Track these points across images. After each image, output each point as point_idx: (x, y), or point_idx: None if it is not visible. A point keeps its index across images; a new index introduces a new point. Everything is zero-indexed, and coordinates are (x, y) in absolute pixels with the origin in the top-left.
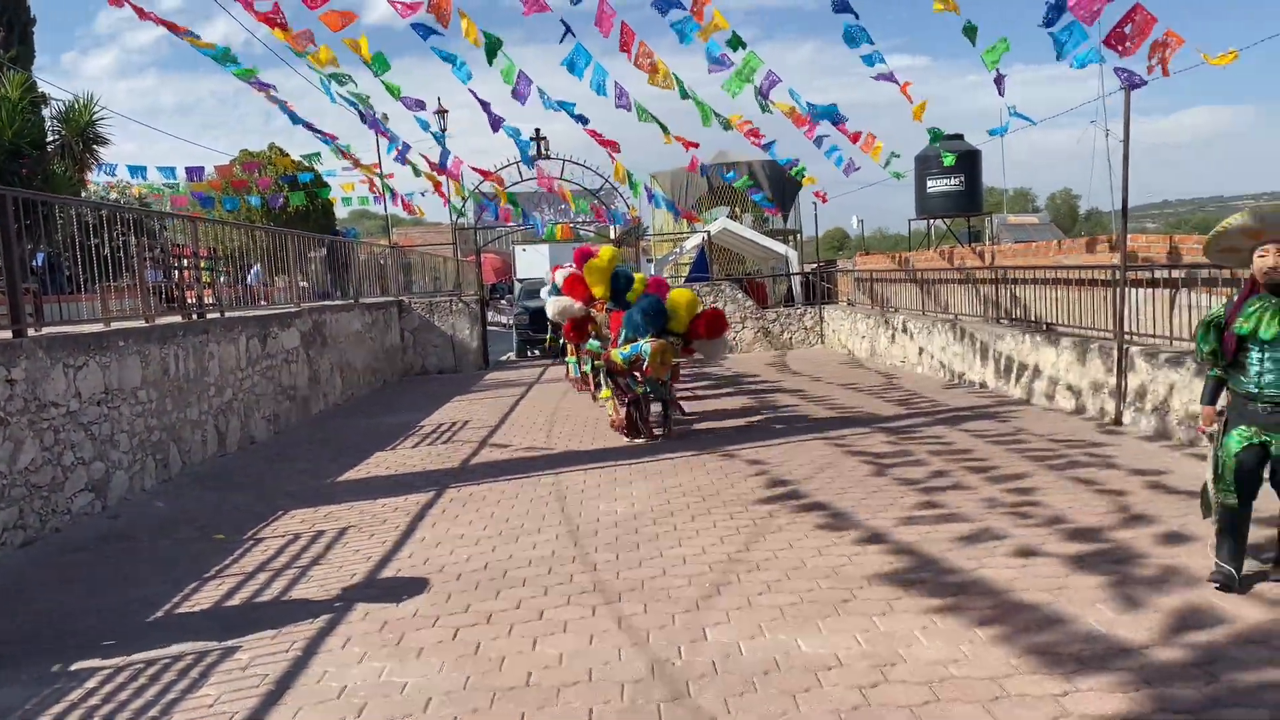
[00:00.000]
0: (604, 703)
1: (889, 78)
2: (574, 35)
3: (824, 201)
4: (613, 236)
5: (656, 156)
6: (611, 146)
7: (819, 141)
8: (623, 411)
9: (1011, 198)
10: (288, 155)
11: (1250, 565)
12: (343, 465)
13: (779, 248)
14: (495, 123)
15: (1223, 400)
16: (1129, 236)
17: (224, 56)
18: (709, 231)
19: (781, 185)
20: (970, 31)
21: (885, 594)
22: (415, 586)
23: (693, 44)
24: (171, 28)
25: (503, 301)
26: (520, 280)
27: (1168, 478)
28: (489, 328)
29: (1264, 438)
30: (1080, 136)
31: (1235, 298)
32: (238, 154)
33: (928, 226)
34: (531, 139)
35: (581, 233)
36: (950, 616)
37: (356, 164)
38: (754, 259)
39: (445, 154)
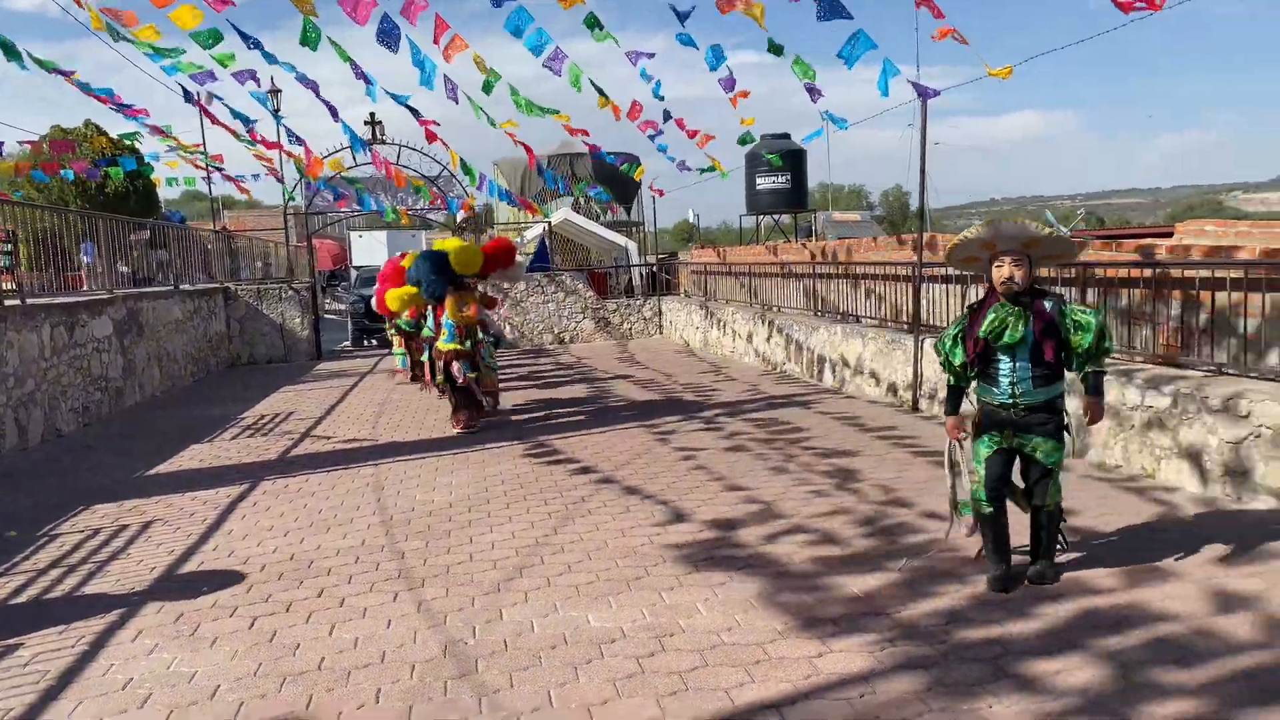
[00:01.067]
0: (393, 682)
1: (728, 85)
2: (394, 49)
3: (660, 195)
4: (458, 222)
5: (501, 143)
6: (433, 138)
7: (653, 137)
8: (456, 400)
9: (847, 195)
10: (105, 134)
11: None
12: (154, 458)
13: (619, 239)
14: (333, 111)
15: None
16: (935, 235)
17: (10, 50)
18: (549, 221)
19: (625, 177)
20: (776, 49)
21: (677, 570)
22: (217, 579)
23: (524, 36)
24: None
25: (339, 289)
26: (356, 267)
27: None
28: (325, 316)
29: (1015, 441)
30: (900, 137)
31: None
32: (49, 130)
33: (757, 222)
34: (366, 123)
35: (428, 218)
36: (733, 588)
37: (178, 144)
38: (597, 250)
39: (290, 135)
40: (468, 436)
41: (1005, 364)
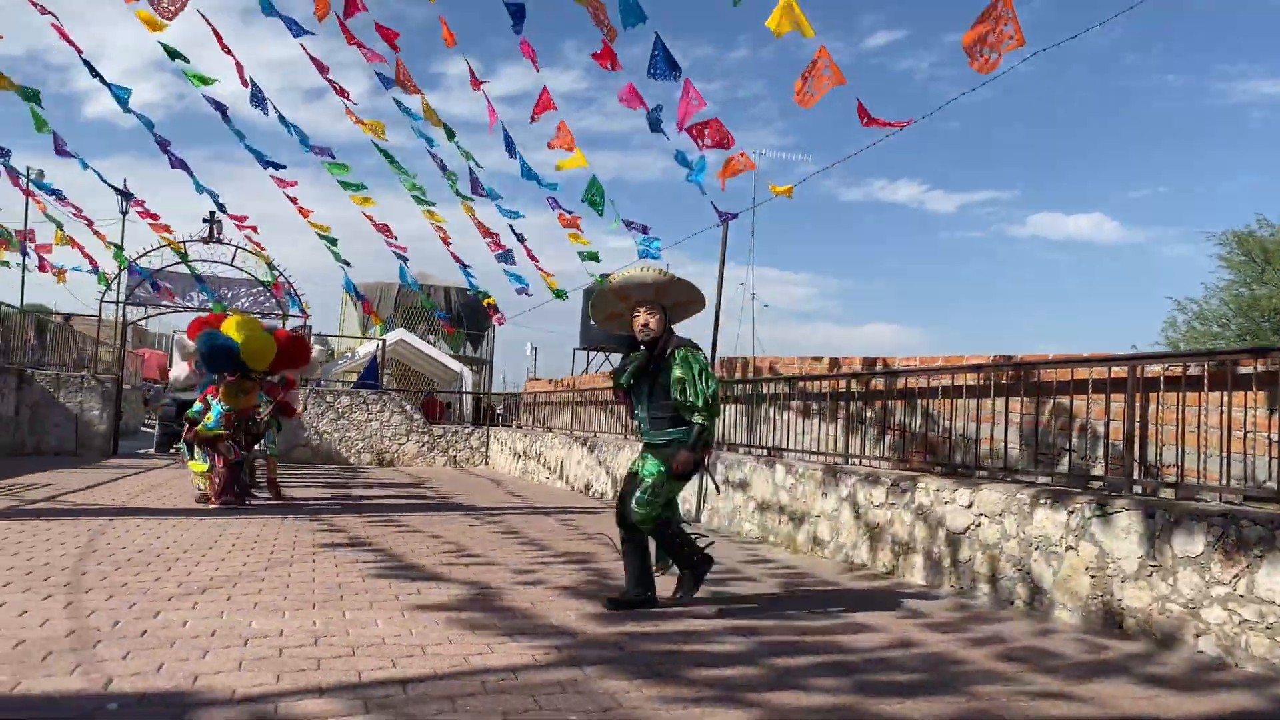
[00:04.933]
0: None
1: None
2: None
3: (501, 323)
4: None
5: (355, 270)
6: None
7: (503, 258)
8: (218, 481)
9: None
10: None
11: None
12: None
13: (455, 365)
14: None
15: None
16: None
17: None
18: (384, 340)
19: (475, 315)
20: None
21: (375, 599)
22: None
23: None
24: None
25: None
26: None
27: None
28: (144, 429)
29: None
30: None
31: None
32: None
33: (588, 357)
34: (205, 220)
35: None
36: (423, 617)
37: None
38: (438, 377)
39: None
40: (226, 510)
41: (639, 405)
